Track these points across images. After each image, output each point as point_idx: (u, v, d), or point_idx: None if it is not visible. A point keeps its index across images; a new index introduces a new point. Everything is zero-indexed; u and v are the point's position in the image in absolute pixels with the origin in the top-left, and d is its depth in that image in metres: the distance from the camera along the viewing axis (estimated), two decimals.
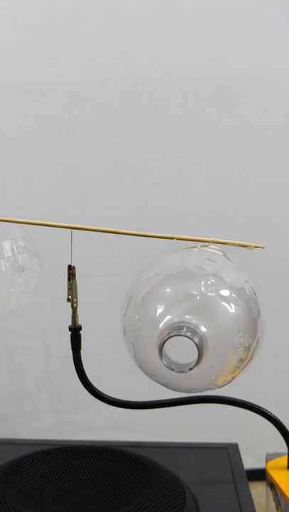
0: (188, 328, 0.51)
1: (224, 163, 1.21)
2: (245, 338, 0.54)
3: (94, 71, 1.16)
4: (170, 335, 0.51)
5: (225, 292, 0.54)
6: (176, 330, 0.51)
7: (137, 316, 0.55)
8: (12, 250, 0.61)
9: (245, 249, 0.58)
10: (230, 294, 0.54)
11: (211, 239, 0.58)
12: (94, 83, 1.16)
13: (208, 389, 0.56)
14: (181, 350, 0.52)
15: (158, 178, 1.20)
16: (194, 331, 0.51)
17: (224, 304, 0.54)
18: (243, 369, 0.56)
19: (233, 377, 0.56)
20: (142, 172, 1.19)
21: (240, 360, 0.55)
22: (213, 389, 0.56)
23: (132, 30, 1.15)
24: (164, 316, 0.53)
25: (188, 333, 0.51)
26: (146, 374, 0.57)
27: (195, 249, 0.58)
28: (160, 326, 0.53)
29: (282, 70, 1.18)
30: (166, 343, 0.51)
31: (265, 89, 1.19)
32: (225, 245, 0.58)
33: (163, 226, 1.17)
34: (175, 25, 1.15)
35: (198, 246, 0.58)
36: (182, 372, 0.52)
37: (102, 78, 1.16)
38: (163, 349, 0.51)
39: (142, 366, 0.57)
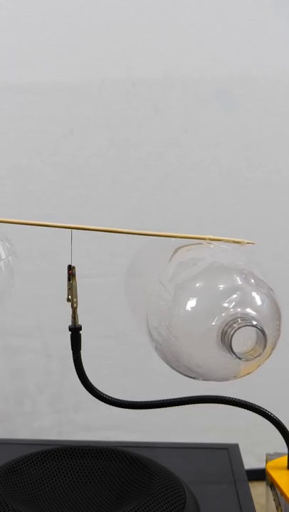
0: (242, 319, 0.53)
1: (224, 163, 1.21)
2: (280, 327, 0.57)
3: (94, 71, 1.16)
4: (239, 326, 0.53)
5: (261, 284, 0.57)
6: (235, 322, 0.53)
7: (181, 312, 0.56)
8: (5, 252, 0.61)
9: (238, 245, 0.61)
10: (264, 286, 0.57)
11: (208, 236, 0.61)
12: (94, 83, 1.16)
13: (246, 375, 0.58)
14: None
15: (158, 178, 1.20)
16: (251, 321, 0.53)
17: (263, 295, 0.57)
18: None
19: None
20: (142, 172, 1.19)
21: (273, 348, 0.57)
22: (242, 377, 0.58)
23: (132, 30, 1.15)
24: (216, 309, 0.55)
25: (252, 322, 0.53)
26: (180, 366, 0.58)
27: (212, 246, 0.60)
28: (214, 322, 0.54)
29: (282, 70, 1.18)
30: (234, 336, 0.53)
31: (265, 89, 1.19)
32: (220, 242, 0.61)
33: (163, 226, 1.17)
34: (175, 25, 1.15)
35: (205, 243, 0.60)
36: (250, 360, 0.54)
37: (102, 78, 1.16)
38: (232, 341, 0.53)
39: (184, 358, 0.57)
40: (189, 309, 0.56)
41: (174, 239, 0.61)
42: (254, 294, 0.56)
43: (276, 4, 1.16)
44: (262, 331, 0.53)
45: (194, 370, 0.57)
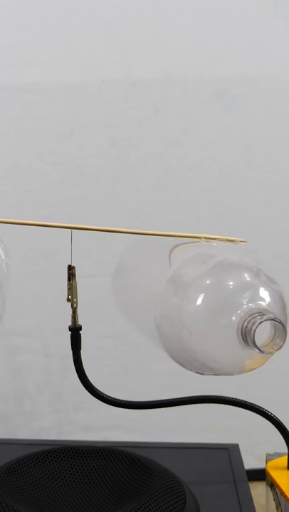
0: (261, 314, 0.54)
1: (224, 163, 1.21)
2: (287, 322, 0.58)
3: (94, 71, 1.16)
4: (261, 321, 0.53)
5: (269, 279, 0.58)
6: (255, 317, 0.54)
7: (195, 308, 0.56)
8: (4, 252, 0.61)
9: (232, 243, 0.63)
10: (272, 281, 0.58)
11: (203, 235, 0.62)
12: (94, 83, 1.16)
13: (254, 369, 0.59)
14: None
15: (158, 178, 1.20)
16: (270, 315, 0.54)
17: (274, 291, 0.58)
18: None
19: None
20: (142, 172, 1.19)
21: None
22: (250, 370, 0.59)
23: (132, 30, 1.15)
24: (233, 305, 0.56)
25: (272, 316, 0.54)
26: (194, 363, 0.58)
27: (214, 244, 0.62)
28: (233, 317, 0.55)
29: (282, 70, 1.18)
30: (256, 331, 0.54)
31: (265, 89, 1.19)
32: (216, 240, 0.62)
33: (163, 226, 1.17)
34: (175, 25, 1.15)
35: (203, 242, 0.60)
36: (272, 353, 0.55)
37: (102, 78, 1.16)
38: (255, 336, 0.54)
39: (198, 355, 0.58)
40: (205, 306, 0.56)
41: (172, 238, 0.62)
42: (267, 289, 0.57)
43: (276, 4, 1.16)
44: (282, 324, 0.54)
45: (210, 365, 0.58)
